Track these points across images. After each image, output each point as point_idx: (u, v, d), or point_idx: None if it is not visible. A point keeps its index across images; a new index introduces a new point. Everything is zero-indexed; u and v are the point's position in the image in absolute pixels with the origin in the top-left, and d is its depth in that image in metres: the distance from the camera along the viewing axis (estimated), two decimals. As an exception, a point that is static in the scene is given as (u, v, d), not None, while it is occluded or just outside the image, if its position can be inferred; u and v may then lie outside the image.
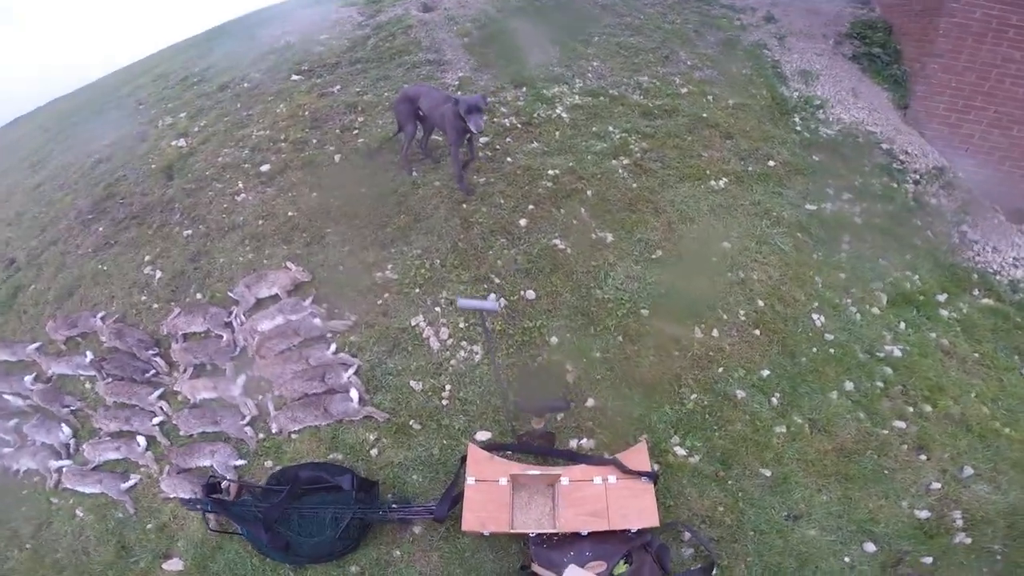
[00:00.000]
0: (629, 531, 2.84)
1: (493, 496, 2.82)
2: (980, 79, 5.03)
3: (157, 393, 3.96)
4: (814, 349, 3.66)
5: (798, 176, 4.71)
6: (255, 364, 3.89)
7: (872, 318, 3.85)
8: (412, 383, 3.62)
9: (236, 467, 3.56)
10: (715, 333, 3.75)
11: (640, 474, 2.92)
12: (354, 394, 3.54)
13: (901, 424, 3.40)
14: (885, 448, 3.29)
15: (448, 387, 3.57)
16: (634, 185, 4.52)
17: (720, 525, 3.16)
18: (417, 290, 4.03)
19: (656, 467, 3.14)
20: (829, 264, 4.06)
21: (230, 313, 4.14)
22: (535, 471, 2.92)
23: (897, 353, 3.69)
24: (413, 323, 3.87)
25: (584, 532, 2.80)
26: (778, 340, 3.73)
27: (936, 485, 3.18)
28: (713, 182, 4.60)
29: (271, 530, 3.04)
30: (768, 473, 3.28)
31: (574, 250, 4.13)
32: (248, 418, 3.69)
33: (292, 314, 4.00)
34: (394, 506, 3.06)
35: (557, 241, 4.18)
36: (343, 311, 4.03)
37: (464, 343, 3.73)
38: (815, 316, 3.81)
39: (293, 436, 3.58)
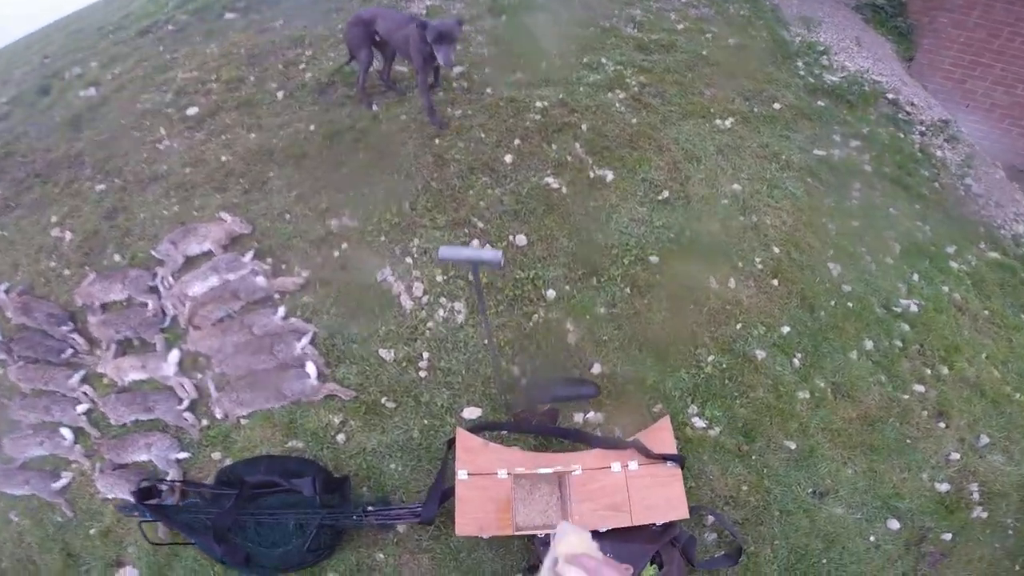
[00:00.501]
0: (654, 525, 2.23)
1: (491, 494, 2.13)
2: (991, 36, 4.79)
3: (78, 376, 3.05)
4: (832, 302, 3.20)
5: (805, 121, 4.21)
6: (189, 336, 3.02)
7: (886, 268, 3.47)
8: (382, 352, 2.83)
9: (179, 461, 2.75)
10: (731, 283, 3.12)
11: (665, 458, 2.28)
12: (311, 368, 2.74)
13: (920, 388, 3.04)
14: (907, 415, 2.93)
15: (426, 355, 2.80)
16: (634, 120, 3.81)
17: (744, 506, 2.69)
18: (383, 238, 3.22)
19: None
20: (841, 211, 3.64)
21: (154, 276, 3.23)
22: (545, 469, 2.21)
23: (914, 308, 3.33)
24: (379, 278, 3.06)
25: (603, 529, 2.15)
26: (797, 292, 3.19)
27: (955, 456, 2.85)
28: (719, 121, 3.98)
29: (224, 541, 2.29)
30: (793, 446, 2.80)
31: (570, 189, 3.41)
32: (186, 402, 2.85)
33: (229, 273, 3.12)
34: (370, 509, 2.33)
35: (550, 180, 3.45)
36: (292, 267, 3.19)
37: (443, 300, 2.95)
38: (831, 265, 3.36)
39: (243, 421, 2.77)
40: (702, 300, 3.03)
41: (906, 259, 3.55)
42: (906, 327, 3.27)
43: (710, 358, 2.88)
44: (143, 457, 2.79)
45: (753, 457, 2.76)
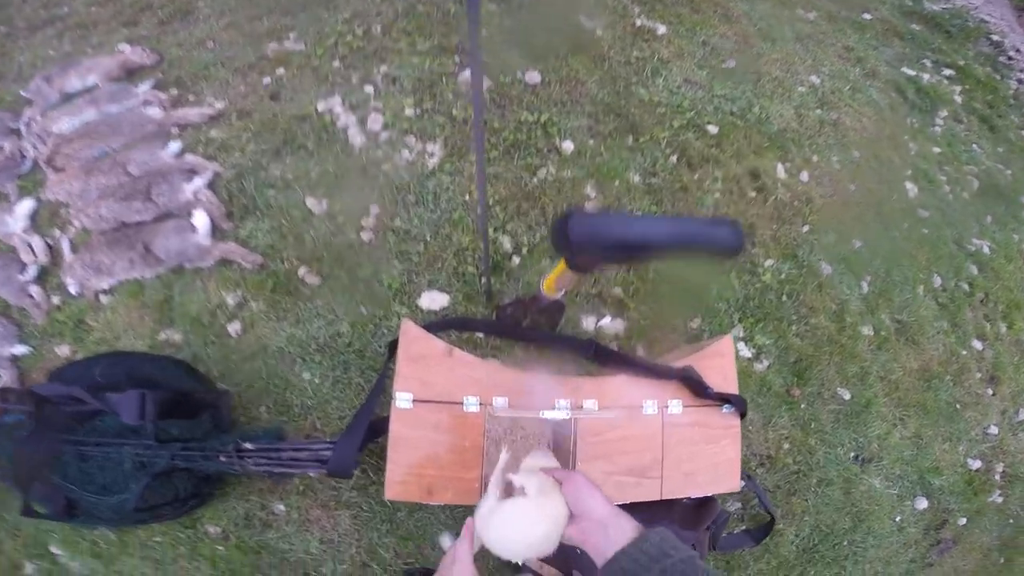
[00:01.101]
0: (686, 500, 1.43)
1: (448, 437, 1.20)
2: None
3: None
4: (906, 224, 2.51)
5: (895, 38, 3.53)
6: (48, 182, 1.94)
7: (963, 203, 2.87)
8: (310, 201, 1.79)
9: (14, 359, 1.74)
10: (804, 177, 2.23)
11: (722, 399, 1.37)
12: (199, 219, 1.73)
13: (979, 345, 2.48)
14: (962, 375, 2.38)
15: (374, 210, 1.77)
16: (697, -19, 2.72)
17: (782, 469, 1.95)
18: (336, 63, 2.14)
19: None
20: (924, 134, 2.97)
21: (18, 118, 2.13)
22: (549, 413, 1.22)
23: (985, 250, 2.73)
24: (321, 108, 2.00)
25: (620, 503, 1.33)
26: (873, 204, 2.41)
27: (994, 430, 2.39)
28: (801, 11, 3.19)
29: (36, 480, 1.39)
30: (847, 396, 2.06)
31: (607, 34, 2.41)
32: (32, 270, 1.82)
33: (111, 104, 2.05)
34: (248, 447, 1.37)
35: (583, 19, 2.42)
36: (205, 97, 2.13)
37: (411, 139, 1.90)
38: (909, 185, 2.63)
39: (103, 299, 1.75)
40: (768, 188, 2.10)
41: (983, 198, 2.99)
42: (975, 270, 2.68)
43: (768, 263, 1.98)
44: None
45: (802, 406, 2.00)
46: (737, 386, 1.42)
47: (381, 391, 1.31)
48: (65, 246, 1.84)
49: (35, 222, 1.95)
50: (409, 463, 1.18)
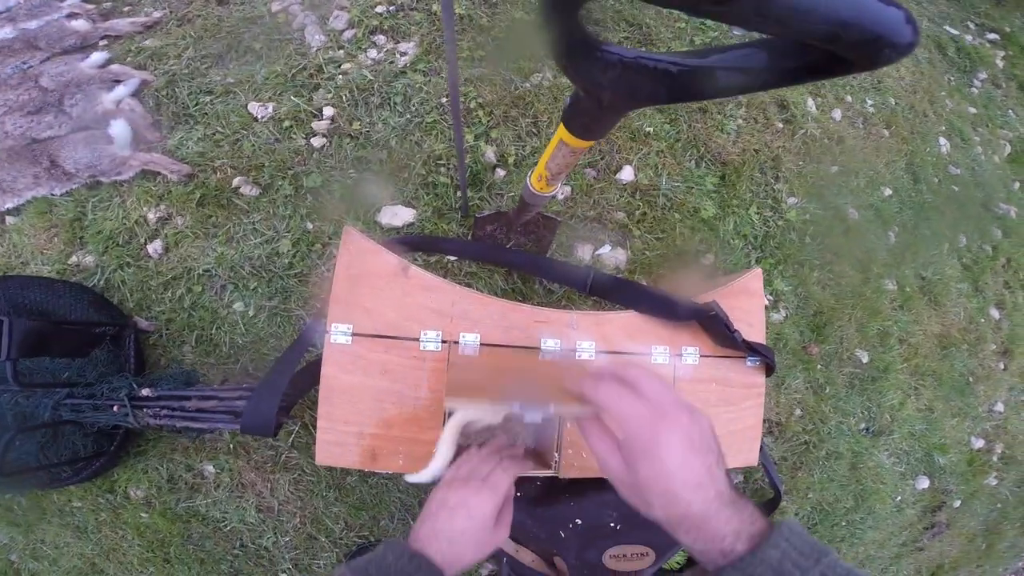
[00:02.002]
0: None
1: (397, 384, 0.85)
2: None
3: None
4: (937, 179, 2.21)
5: None
6: None
7: (994, 166, 2.58)
8: (253, 106, 1.41)
9: None
10: (836, 115, 1.88)
11: (751, 350, 1.03)
12: (118, 128, 1.37)
13: (996, 314, 2.26)
14: (978, 345, 2.17)
15: (329, 112, 1.39)
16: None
17: (791, 439, 1.68)
18: None
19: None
20: (961, 93, 2.67)
21: None
22: (517, 338, 0.91)
23: (1012, 215, 2.46)
24: (275, 8, 1.58)
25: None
26: (906, 153, 2.10)
27: (1000, 407, 2.21)
28: None
29: None
30: (866, 359, 1.80)
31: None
32: None
33: (30, 20, 1.69)
34: (146, 394, 1.02)
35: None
36: (142, 6, 1.73)
37: (381, 37, 1.51)
38: (942, 140, 2.34)
39: (9, 221, 1.41)
40: (796, 121, 1.75)
41: (1014, 165, 2.70)
42: (999, 234, 2.41)
43: (792, 200, 1.65)
44: None
45: (819, 367, 1.72)
46: (765, 334, 1.10)
47: (321, 324, 0.96)
48: None
49: None
50: (346, 418, 0.86)
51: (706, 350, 1.06)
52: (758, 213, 1.57)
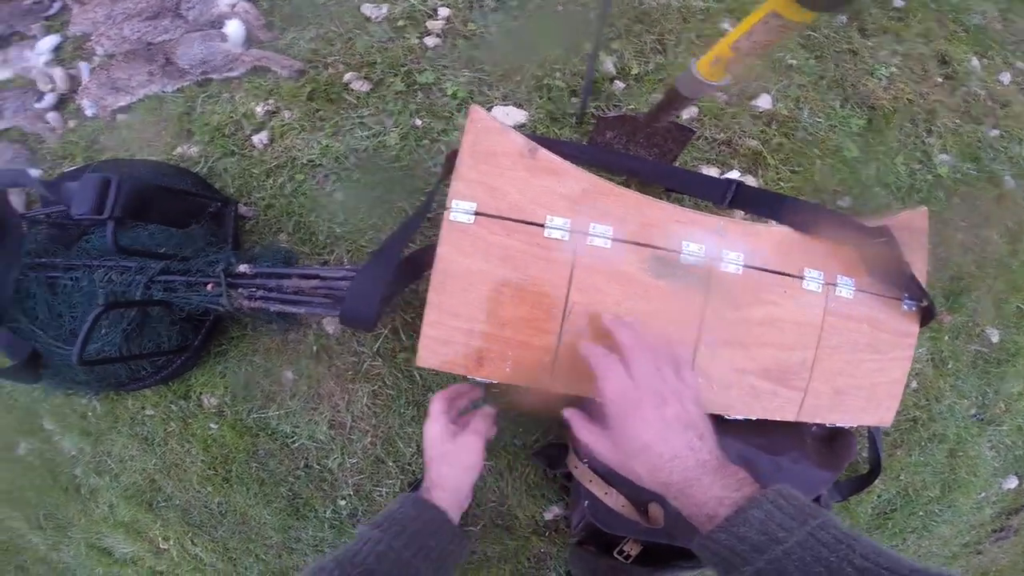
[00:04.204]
0: (815, 427, 0.90)
1: (517, 274, 0.70)
2: None
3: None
4: None
5: None
6: (72, 15, 1.56)
7: None
8: (366, 7, 1.26)
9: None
10: (1004, 79, 1.50)
11: (909, 292, 0.81)
12: (232, 27, 1.27)
13: None
14: None
15: (444, 12, 1.22)
16: None
17: (900, 412, 1.38)
18: None
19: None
20: None
21: None
22: (664, 233, 0.72)
23: None
24: None
25: (736, 417, 0.78)
26: None
27: None
28: None
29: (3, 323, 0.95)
30: (995, 338, 1.48)
31: None
32: (49, 98, 1.42)
33: None
34: (243, 270, 0.92)
35: None
36: None
37: None
38: None
39: (119, 118, 1.35)
40: (958, 77, 1.43)
41: None
42: None
43: (944, 156, 1.36)
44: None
45: (945, 338, 1.44)
46: (925, 277, 0.86)
47: (427, 212, 0.82)
48: (84, 72, 1.45)
49: (58, 55, 1.55)
50: (457, 310, 0.72)
51: (862, 284, 0.84)
52: (905, 164, 1.31)
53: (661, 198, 0.75)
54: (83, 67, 1.44)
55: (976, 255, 1.39)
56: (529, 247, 0.72)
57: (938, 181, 1.33)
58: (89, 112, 1.39)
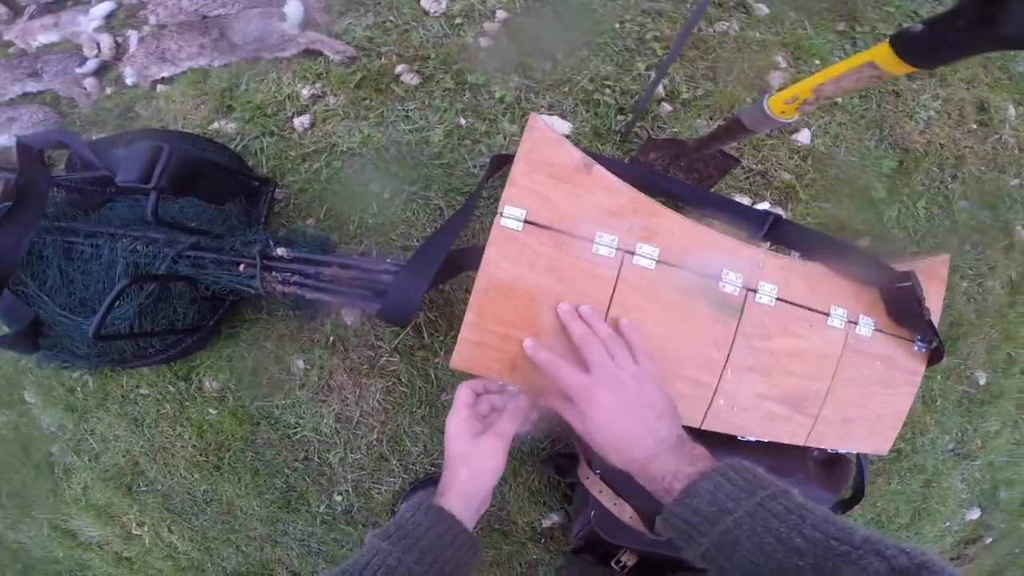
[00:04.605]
0: (818, 451, 0.90)
1: (560, 286, 0.70)
2: None
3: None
4: None
5: None
6: None
7: None
8: (426, 1, 1.25)
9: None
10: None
11: (934, 333, 0.82)
12: (292, 7, 1.26)
13: None
14: None
15: (503, 15, 1.21)
16: None
17: (890, 447, 1.48)
18: None
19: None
20: None
21: None
22: (706, 256, 0.74)
23: None
24: None
25: (750, 439, 0.80)
26: None
27: None
28: None
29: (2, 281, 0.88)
30: (983, 381, 1.54)
31: None
32: (91, 64, 1.41)
33: None
34: (280, 254, 0.90)
35: None
36: None
37: None
38: None
39: (159, 88, 1.33)
40: (992, 124, 1.45)
41: None
42: None
43: (963, 203, 1.40)
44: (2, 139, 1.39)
45: (938, 378, 1.49)
46: (938, 318, 0.89)
47: (472, 212, 0.83)
48: (132, 40, 1.43)
49: (108, 22, 1.52)
50: (498, 316, 0.72)
51: (881, 324, 0.86)
52: (925, 208, 1.34)
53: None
54: (132, 35, 1.43)
55: (977, 304, 1.42)
56: (576, 260, 0.73)
57: (955, 227, 1.37)
58: (129, 80, 1.38)
